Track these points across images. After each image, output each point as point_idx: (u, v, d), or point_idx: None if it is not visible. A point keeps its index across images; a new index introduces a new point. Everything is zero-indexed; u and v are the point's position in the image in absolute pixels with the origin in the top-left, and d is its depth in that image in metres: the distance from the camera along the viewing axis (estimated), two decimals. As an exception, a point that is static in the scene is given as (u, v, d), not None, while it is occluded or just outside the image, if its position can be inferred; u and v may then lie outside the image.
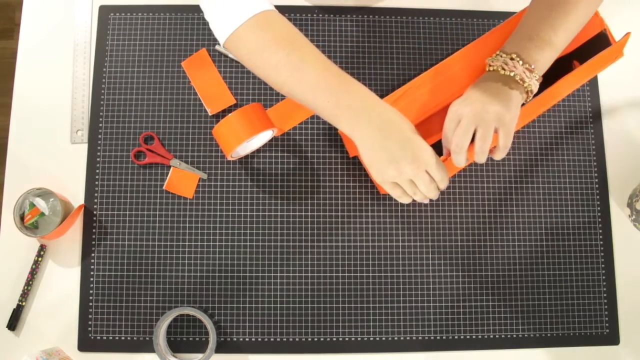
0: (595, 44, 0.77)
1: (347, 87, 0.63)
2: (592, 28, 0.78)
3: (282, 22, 0.65)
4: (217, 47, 0.91)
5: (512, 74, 0.65)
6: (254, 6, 0.64)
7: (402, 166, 0.62)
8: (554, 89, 0.75)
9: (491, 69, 0.68)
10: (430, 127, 0.76)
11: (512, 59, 0.66)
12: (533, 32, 0.67)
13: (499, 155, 0.67)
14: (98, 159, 0.88)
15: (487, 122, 0.64)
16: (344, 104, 0.62)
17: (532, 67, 0.66)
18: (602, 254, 0.89)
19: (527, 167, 0.90)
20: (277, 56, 0.63)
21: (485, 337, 0.85)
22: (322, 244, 0.86)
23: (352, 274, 0.86)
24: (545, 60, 0.67)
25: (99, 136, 0.88)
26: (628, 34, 0.76)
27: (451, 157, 0.68)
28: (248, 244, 0.86)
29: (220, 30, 0.66)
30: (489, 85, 0.66)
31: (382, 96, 0.74)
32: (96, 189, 0.87)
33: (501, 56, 0.67)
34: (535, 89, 0.67)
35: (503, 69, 0.66)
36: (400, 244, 0.87)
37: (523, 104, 0.70)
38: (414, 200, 0.70)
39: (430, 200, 0.76)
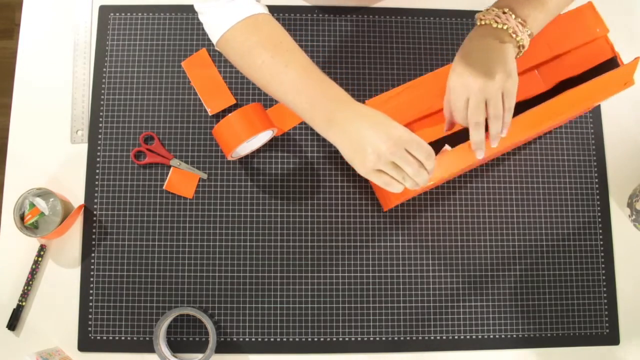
0: (606, 71, 0.76)
1: (325, 90, 0.65)
2: (601, 54, 0.77)
3: (270, 26, 0.68)
4: (217, 47, 0.91)
5: (504, 27, 0.65)
6: (243, 10, 0.66)
7: (379, 147, 0.61)
8: (556, 102, 0.73)
9: (483, 22, 0.67)
10: (422, 127, 0.75)
11: (504, 12, 0.66)
12: None
13: (507, 118, 0.67)
14: (98, 159, 0.88)
15: (493, 93, 0.65)
16: (319, 106, 0.64)
17: (525, 21, 0.66)
18: (602, 254, 0.89)
19: (527, 167, 0.90)
20: (262, 58, 0.65)
21: (485, 337, 0.85)
22: (322, 244, 0.86)
23: (352, 274, 0.86)
24: (537, 18, 0.67)
25: (99, 136, 0.88)
26: (637, 58, 0.74)
27: (470, 135, 0.67)
28: (248, 244, 0.86)
29: (211, 33, 0.69)
30: (482, 45, 0.66)
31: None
32: (96, 189, 0.87)
33: (493, 10, 0.67)
34: (526, 44, 0.67)
35: (496, 22, 0.66)
36: (400, 243, 0.87)
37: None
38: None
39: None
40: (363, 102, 0.73)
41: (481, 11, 0.69)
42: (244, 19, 0.66)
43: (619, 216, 0.90)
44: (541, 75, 0.78)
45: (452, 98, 0.67)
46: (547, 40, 0.76)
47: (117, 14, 0.92)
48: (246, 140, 0.79)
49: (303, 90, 0.65)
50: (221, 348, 0.83)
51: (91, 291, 0.84)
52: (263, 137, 0.86)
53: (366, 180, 0.88)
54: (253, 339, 0.84)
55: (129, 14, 0.92)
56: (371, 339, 0.85)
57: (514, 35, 0.65)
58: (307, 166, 0.89)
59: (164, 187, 0.87)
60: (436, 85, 0.73)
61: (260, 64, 0.66)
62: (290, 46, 0.67)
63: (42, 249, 0.84)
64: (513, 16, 0.66)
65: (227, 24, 0.67)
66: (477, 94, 0.65)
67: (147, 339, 0.83)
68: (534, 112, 0.73)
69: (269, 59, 0.65)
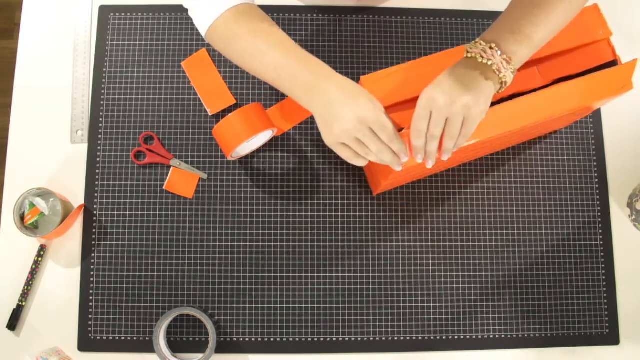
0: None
1: (305, 65, 0.68)
2: (601, 56, 0.76)
3: (254, 13, 0.72)
4: (217, 47, 0.91)
5: (489, 63, 0.66)
6: (227, 2, 0.71)
7: (345, 123, 0.65)
8: (548, 92, 0.72)
9: (469, 55, 0.68)
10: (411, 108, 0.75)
11: (491, 47, 0.66)
12: (514, 26, 0.68)
13: (459, 142, 0.68)
14: (98, 159, 0.88)
15: (455, 114, 0.66)
16: (300, 80, 0.68)
17: (510, 58, 0.66)
18: (602, 254, 0.89)
19: (527, 168, 0.90)
20: (246, 43, 0.70)
21: (485, 337, 0.85)
22: (322, 244, 0.86)
23: (352, 274, 0.86)
24: (522, 54, 0.68)
25: (99, 136, 0.88)
26: (636, 60, 0.74)
27: (426, 145, 0.69)
28: (248, 244, 0.86)
29: (200, 28, 0.74)
30: (464, 73, 0.67)
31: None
32: (96, 189, 0.87)
33: (480, 44, 0.67)
34: (509, 81, 0.67)
35: (481, 56, 0.66)
36: (400, 244, 0.87)
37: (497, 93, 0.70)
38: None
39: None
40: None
41: (469, 42, 0.69)
42: (229, 9, 0.70)
43: (619, 216, 0.90)
44: (539, 71, 0.78)
45: (417, 105, 0.68)
46: None
47: (117, 14, 0.92)
48: (246, 140, 0.80)
49: (285, 68, 0.68)
50: (221, 348, 0.83)
51: (91, 291, 0.84)
52: (263, 137, 0.86)
53: (366, 180, 0.88)
54: (253, 339, 0.84)
55: (129, 14, 0.92)
56: (371, 339, 0.85)
57: (497, 72, 0.66)
58: (307, 166, 0.89)
59: (164, 187, 0.87)
60: (436, 66, 0.73)
61: (245, 48, 0.70)
62: (273, 30, 0.71)
63: (42, 249, 0.84)
64: (499, 52, 0.66)
65: (213, 16, 0.71)
66: (441, 110, 0.66)
67: (147, 339, 0.83)
68: (525, 99, 0.72)
69: (252, 44, 0.70)
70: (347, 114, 0.65)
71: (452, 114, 0.66)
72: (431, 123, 0.67)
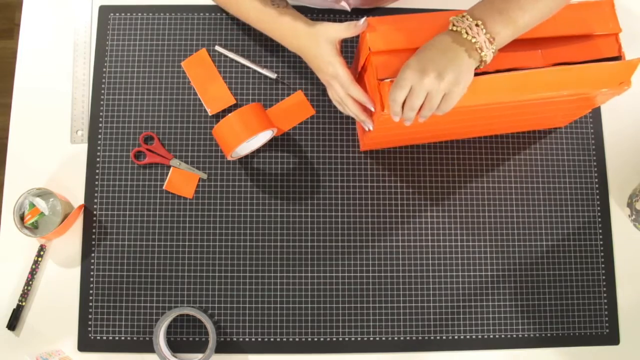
0: None
1: (287, 17, 0.78)
2: (607, 50, 0.76)
3: None
4: (217, 47, 0.91)
5: (473, 40, 0.67)
6: None
7: (320, 75, 0.78)
8: (543, 72, 0.72)
9: (455, 29, 0.68)
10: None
11: (477, 25, 0.67)
12: (503, 6, 0.68)
13: (437, 113, 0.70)
14: (98, 159, 0.88)
15: (435, 91, 0.67)
16: (288, 32, 0.78)
17: (493, 39, 0.67)
18: (602, 254, 0.89)
19: (527, 168, 0.90)
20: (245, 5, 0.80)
21: (485, 337, 0.85)
22: (322, 244, 0.86)
23: (352, 274, 0.86)
24: (505, 36, 0.68)
25: (99, 136, 0.88)
26: (639, 59, 0.73)
27: (404, 113, 0.70)
28: (248, 244, 0.86)
29: None
30: (448, 47, 0.67)
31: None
32: (96, 189, 0.87)
33: (467, 19, 0.68)
34: (489, 60, 0.68)
35: (467, 32, 0.67)
36: (400, 243, 0.87)
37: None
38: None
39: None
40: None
41: (457, 16, 0.69)
42: None
43: (619, 216, 0.90)
44: (542, 53, 0.77)
45: (399, 74, 0.68)
46: (555, 17, 0.75)
47: (117, 14, 0.92)
48: (246, 140, 0.80)
49: (274, 20, 0.79)
50: (221, 348, 0.83)
51: (91, 291, 0.84)
52: (263, 137, 0.86)
53: (366, 180, 0.88)
54: (253, 339, 0.84)
55: (129, 14, 0.92)
56: (371, 339, 0.85)
57: (479, 51, 0.67)
58: (307, 166, 0.89)
59: (164, 187, 0.87)
60: (443, 24, 0.73)
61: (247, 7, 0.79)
62: None
63: (42, 249, 0.84)
64: (484, 31, 0.67)
65: None
66: (423, 86, 0.66)
67: (147, 339, 0.83)
68: (522, 73, 0.72)
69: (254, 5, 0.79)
70: (317, 69, 0.77)
71: (433, 90, 0.66)
72: (411, 95, 0.67)
